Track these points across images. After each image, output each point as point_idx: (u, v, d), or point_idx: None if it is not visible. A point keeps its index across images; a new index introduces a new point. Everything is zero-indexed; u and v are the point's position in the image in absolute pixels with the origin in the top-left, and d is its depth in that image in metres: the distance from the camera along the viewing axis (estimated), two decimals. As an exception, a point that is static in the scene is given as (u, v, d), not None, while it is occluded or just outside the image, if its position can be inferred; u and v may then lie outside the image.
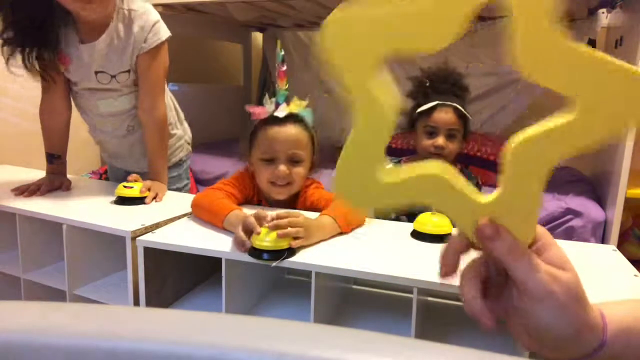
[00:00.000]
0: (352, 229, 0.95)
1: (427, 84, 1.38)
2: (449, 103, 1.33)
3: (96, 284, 1.06)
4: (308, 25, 2.87)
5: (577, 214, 1.71)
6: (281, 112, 1.02)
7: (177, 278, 0.97)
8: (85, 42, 1.19)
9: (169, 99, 1.40)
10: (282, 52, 1.00)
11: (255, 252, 0.80)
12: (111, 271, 1.09)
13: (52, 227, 1.02)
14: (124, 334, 0.28)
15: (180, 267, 0.97)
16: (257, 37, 3.20)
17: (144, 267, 0.88)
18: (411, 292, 0.74)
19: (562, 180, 2.06)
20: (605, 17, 2.17)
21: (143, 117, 1.28)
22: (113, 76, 1.23)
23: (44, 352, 0.27)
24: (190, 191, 1.54)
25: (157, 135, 1.29)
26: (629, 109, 0.33)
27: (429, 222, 0.92)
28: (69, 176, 1.33)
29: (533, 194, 0.37)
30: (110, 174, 1.56)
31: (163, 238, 0.89)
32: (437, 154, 1.32)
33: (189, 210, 1.07)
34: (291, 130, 1.03)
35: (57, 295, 1.04)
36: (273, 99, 1.04)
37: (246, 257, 0.81)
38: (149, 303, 0.90)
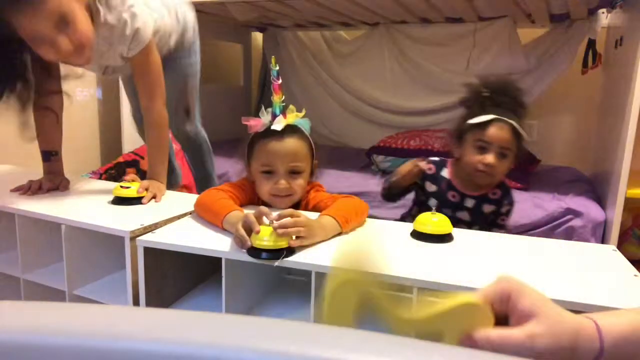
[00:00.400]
0: (353, 229, 0.95)
1: (485, 94, 1.27)
2: (506, 119, 1.22)
3: (96, 284, 1.06)
4: (308, 25, 2.87)
5: (577, 214, 1.71)
6: (278, 125, 1.02)
7: (177, 278, 0.97)
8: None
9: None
10: (277, 67, 1.00)
11: (255, 252, 0.80)
12: (111, 271, 1.09)
13: (51, 227, 1.02)
14: (123, 334, 0.28)
15: (180, 267, 0.97)
16: (257, 37, 3.20)
17: (144, 267, 0.88)
18: (411, 292, 0.74)
19: (562, 180, 2.07)
20: (605, 17, 2.17)
21: (144, 116, 1.28)
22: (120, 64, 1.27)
23: (44, 352, 0.27)
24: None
25: (156, 134, 1.28)
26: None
27: (429, 222, 0.92)
28: (66, 176, 1.33)
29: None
30: None
31: (163, 238, 0.89)
32: (484, 171, 1.24)
33: (189, 210, 1.07)
34: (290, 143, 1.03)
35: (56, 295, 1.04)
36: (269, 109, 1.04)
37: (246, 257, 0.81)
38: (149, 303, 0.90)
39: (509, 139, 1.22)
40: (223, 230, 0.92)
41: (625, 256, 0.87)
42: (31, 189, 1.19)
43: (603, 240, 1.69)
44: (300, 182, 1.06)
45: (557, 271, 0.80)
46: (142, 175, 1.30)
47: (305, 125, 1.07)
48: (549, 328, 0.40)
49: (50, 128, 1.30)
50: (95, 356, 0.27)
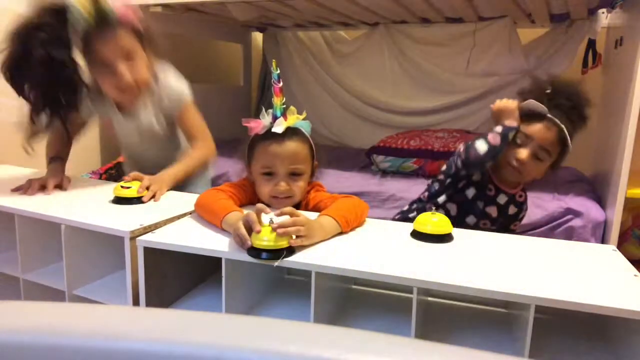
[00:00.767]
0: (352, 229, 0.95)
1: (547, 91, 1.20)
2: (557, 122, 1.15)
3: (95, 284, 1.06)
4: (308, 25, 2.87)
5: (577, 214, 1.71)
6: (279, 128, 1.02)
7: (177, 278, 0.97)
8: (122, 109, 1.34)
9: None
10: (278, 71, 1.00)
11: (255, 252, 0.80)
12: (111, 271, 1.09)
13: (51, 227, 1.02)
14: (123, 334, 0.28)
15: (180, 267, 0.97)
16: (257, 37, 3.20)
17: (144, 267, 0.88)
18: (411, 292, 0.74)
19: (562, 180, 2.06)
20: (605, 17, 2.17)
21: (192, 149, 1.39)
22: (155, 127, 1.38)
23: (44, 352, 0.27)
24: None
25: (197, 157, 1.37)
26: None
27: (429, 222, 0.92)
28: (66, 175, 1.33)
29: None
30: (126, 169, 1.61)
31: (163, 238, 0.89)
32: (514, 167, 1.19)
33: (189, 210, 1.07)
34: (290, 146, 1.03)
35: (56, 295, 1.04)
36: (270, 111, 1.04)
37: (246, 257, 0.81)
38: (149, 303, 0.90)
39: (552, 141, 1.16)
40: (223, 230, 0.92)
41: (625, 256, 0.87)
42: (32, 188, 1.19)
43: (603, 240, 1.69)
44: (300, 184, 1.06)
45: (557, 271, 0.80)
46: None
47: (305, 127, 1.07)
48: None
49: (62, 147, 1.37)
50: (95, 356, 0.27)
